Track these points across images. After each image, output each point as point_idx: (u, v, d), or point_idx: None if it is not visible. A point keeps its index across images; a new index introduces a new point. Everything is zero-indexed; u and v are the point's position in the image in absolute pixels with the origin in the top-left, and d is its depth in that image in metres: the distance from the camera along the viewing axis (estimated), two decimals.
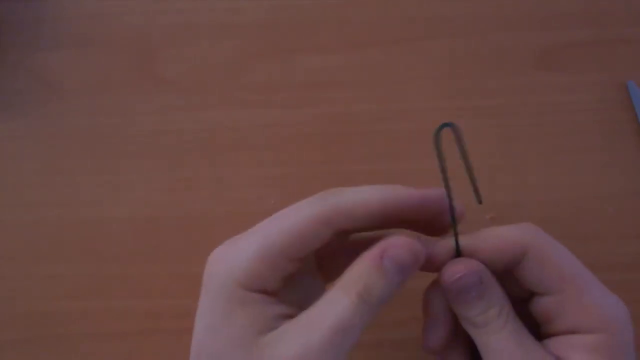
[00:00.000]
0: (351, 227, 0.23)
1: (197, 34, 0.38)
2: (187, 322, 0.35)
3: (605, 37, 0.38)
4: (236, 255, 0.23)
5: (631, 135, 0.37)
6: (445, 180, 0.23)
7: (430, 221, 0.25)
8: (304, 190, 0.36)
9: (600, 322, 0.22)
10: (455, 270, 0.23)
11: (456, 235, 0.23)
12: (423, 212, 0.24)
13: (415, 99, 0.37)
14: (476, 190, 0.24)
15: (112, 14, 0.38)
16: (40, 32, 0.38)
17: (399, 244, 0.22)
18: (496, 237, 0.23)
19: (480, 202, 0.24)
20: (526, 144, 0.37)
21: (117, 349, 0.34)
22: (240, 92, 0.37)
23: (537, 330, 0.24)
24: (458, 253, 0.23)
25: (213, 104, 0.37)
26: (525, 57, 0.38)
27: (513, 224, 0.24)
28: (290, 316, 0.22)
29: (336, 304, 0.21)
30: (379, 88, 0.37)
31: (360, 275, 0.22)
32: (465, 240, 0.23)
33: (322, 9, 0.38)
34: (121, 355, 0.34)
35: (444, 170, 0.23)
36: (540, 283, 0.23)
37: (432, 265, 0.23)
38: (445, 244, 0.24)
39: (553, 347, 0.23)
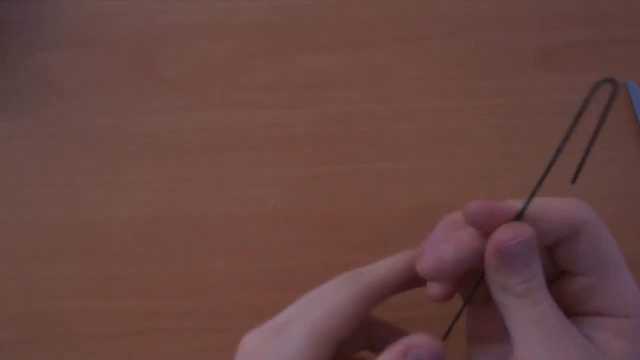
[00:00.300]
0: (380, 300, 0.25)
1: (197, 34, 0.38)
2: (187, 322, 0.35)
3: (605, 37, 0.38)
4: (286, 350, 0.23)
5: (631, 135, 0.37)
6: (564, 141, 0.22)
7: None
8: (304, 190, 0.37)
9: (629, 306, 0.22)
10: (511, 235, 0.22)
11: (529, 200, 0.22)
12: None
13: (415, 99, 0.37)
14: (580, 168, 0.23)
15: (112, 14, 0.38)
16: (40, 32, 0.38)
17: (421, 344, 0.22)
18: (557, 210, 0.23)
19: (573, 181, 0.23)
20: (526, 144, 0.37)
21: (117, 349, 0.34)
22: (240, 92, 0.37)
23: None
24: (519, 217, 0.22)
25: (213, 104, 0.37)
26: (525, 57, 0.38)
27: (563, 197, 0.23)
28: None
29: None
30: (379, 88, 0.37)
31: None
32: (530, 207, 0.22)
33: (322, 9, 0.38)
34: (121, 355, 0.34)
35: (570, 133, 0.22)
36: (584, 262, 0.23)
37: (493, 222, 0.22)
38: (510, 206, 0.23)
39: (578, 327, 0.22)
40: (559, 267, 0.24)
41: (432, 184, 0.36)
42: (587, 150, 0.22)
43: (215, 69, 0.37)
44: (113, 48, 0.38)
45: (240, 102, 0.37)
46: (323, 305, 0.23)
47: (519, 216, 0.22)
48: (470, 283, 0.25)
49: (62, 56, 0.37)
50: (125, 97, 0.37)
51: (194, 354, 0.34)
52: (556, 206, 0.23)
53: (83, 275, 0.35)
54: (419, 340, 0.22)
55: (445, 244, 0.23)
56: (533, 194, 0.22)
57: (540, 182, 0.22)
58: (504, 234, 0.22)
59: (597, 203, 0.36)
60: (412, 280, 0.25)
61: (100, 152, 0.36)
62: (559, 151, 0.22)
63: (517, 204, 0.23)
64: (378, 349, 0.26)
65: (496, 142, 0.36)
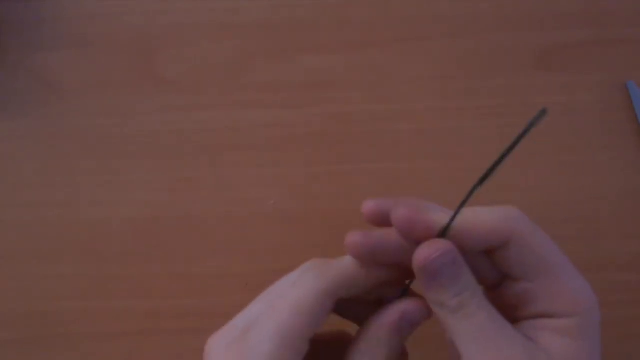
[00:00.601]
0: (345, 296, 0.24)
1: (197, 34, 0.38)
2: (187, 322, 0.35)
3: (605, 37, 0.38)
4: (256, 351, 0.22)
5: (631, 135, 0.37)
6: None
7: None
8: (304, 190, 0.37)
9: (571, 306, 0.22)
10: (429, 252, 0.22)
11: (454, 216, 0.23)
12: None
13: (415, 99, 0.37)
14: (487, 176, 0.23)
15: (112, 14, 0.38)
16: (40, 32, 0.38)
17: (414, 309, 0.24)
18: (482, 223, 0.23)
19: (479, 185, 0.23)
20: (526, 144, 0.37)
21: (117, 349, 0.34)
22: (240, 92, 0.37)
23: (505, 314, 0.24)
24: (443, 234, 0.23)
25: (213, 104, 0.37)
26: (525, 57, 0.38)
27: (496, 206, 0.24)
28: None
29: None
30: (379, 88, 0.37)
31: (382, 340, 0.24)
32: (457, 220, 0.23)
33: (322, 9, 0.38)
34: (121, 355, 0.34)
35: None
36: (519, 269, 0.23)
37: (417, 235, 0.23)
38: (432, 221, 0.23)
39: (522, 331, 0.23)
40: (501, 271, 0.24)
41: (432, 184, 0.36)
42: (500, 159, 0.23)
43: (215, 69, 0.37)
44: (113, 48, 0.38)
45: (240, 102, 0.37)
46: (290, 303, 0.23)
47: (445, 230, 0.23)
48: None
49: (62, 56, 0.37)
50: (125, 97, 0.37)
51: (194, 354, 0.34)
52: (483, 218, 0.23)
53: (83, 275, 0.35)
54: (412, 306, 0.24)
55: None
56: (458, 210, 0.23)
57: (467, 197, 0.23)
58: (423, 252, 0.22)
59: (597, 203, 0.36)
60: (381, 278, 0.24)
61: (100, 152, 0.36)
62: (491, 169, 0.23)
63: (443, 218, 0.23)
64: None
65: (496, 142, 0.36)
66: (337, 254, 0.37)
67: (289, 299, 0.23)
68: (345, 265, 0.24)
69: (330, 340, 0.27)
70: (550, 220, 0.35)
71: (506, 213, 0.23)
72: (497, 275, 0.24)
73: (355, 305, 0.26)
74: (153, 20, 0.38)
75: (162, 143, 0.36)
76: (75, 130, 0.37)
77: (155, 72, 0.37)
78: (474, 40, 0.38)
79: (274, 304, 0.23)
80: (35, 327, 0.35)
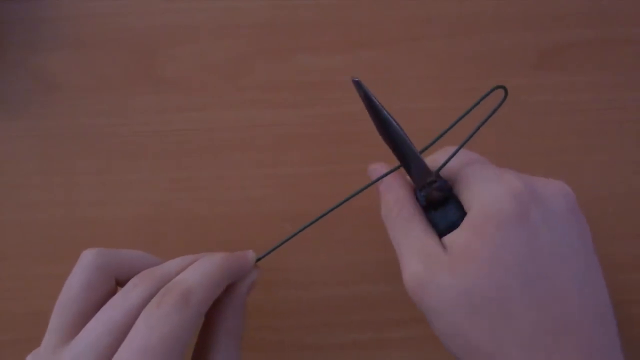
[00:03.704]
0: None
1: (196, 34, 0.38)
2: None
3: (606, 37, 0.38)
4: None
5: (631, 135, 0.37)
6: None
7: None
8: (304, 190, 0.37)
9: (474, 203, 0.24)
10: (376, 166, 0.28)
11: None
12: None
13: (415, 99, 0.37)
14: None
15: (112, 14, 0.38)
16: (40, 32, 0.38)
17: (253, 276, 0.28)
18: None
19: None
20: (526, 144, 0.37)
21: None
22: (240, 92, 0.37)
23: None
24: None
25: (213, 104, 0.37)
26: (525, 57, 0.38)
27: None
28: None
29: None
30: (379, 88, 0.37)
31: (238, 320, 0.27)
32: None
33: (322, 9, 0.38)
34: None
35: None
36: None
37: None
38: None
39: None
40: None
41: None
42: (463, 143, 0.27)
43: (215, 69, 0.37)
44: (113, 48, 0.38)
45: (240, 102, 0.37)
46: (157, 332, 0.22)
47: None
48: None
49: (62, 56, 0.37)
50: (125, 97, 0.37)
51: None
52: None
53: None
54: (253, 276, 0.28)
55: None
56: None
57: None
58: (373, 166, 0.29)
59: (597, 203, 0.36)
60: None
61: (100, 152, 0.36)
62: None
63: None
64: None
65: (496, 142, 0.36)
66: (336, 254, 0.37)
67: (157, 332, 0.22)
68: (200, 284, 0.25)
69: None
70: None
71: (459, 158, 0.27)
72: None
73: None
74: (153, 20, 0.38)
75: (162, 143, 0.36)
76: (75, 130, 0.37)
77: (155, 72, 0.37)
78: (474, 40, 0.38)
79: (137, 335, 0.22)
80: (35, 327, 0.34)
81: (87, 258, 0.25)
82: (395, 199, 0.27)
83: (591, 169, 0.36)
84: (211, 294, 0.24)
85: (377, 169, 0.28)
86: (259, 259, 0.29)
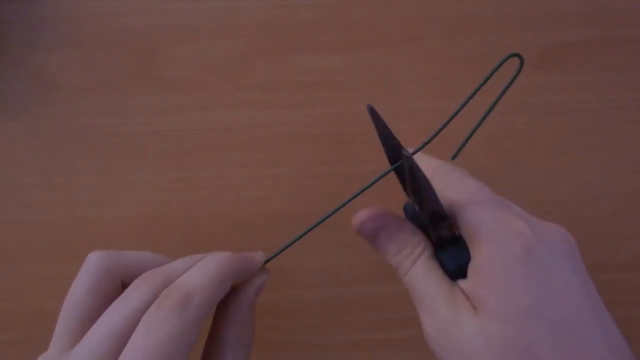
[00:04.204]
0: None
1: (196, 34, 0.38)
2: None
3: (606, 37, 0.38)
4: None
5: (631, 135, 0.37)
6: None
7: None
8: (304, 190, 0.36)
9: (485, 252, 0.23)
10: (358, 217, 0.26)
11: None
12: None
13: (415, 99, 0.37)
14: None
15: (112, 14, 0.38)
16: (40, 32, 0.38)
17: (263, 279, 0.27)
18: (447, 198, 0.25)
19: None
20: (526, 144, 0.37)
21: None
22: (239, 92, 0.37)
23: None
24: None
25: (213, 104, 0.37)
26: (525, 57, 0.38)
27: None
28: None
29: None
30: (379, 88, 0.37)
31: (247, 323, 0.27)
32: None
33: (322, 9, 0.38)
34: None
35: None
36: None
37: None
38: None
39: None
40: None
41: None
42: (478, 125, 0.26)
43: (215, 69, 0.37)
44: (113, 48, 0.38)
45: (239, 102, 0.37)
46: (157, 337, 0.22)
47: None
48: None
49: (62, 56, 0.37)
50: (125, 97, 0.37)
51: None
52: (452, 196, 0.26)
53: None
54: (262, 279, 0.27)
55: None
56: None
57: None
58: (355, 217, 0.27)
59: (597, 203, 0.36)
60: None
61: (100, 152, 0.36)
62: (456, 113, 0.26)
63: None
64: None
65: (496, 142, 0.36)
66: (337, 254, 0.37)
67: (157, 337, 0.22)
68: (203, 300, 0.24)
69: None
70: (550, 220, 0.35)
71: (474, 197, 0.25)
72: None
73: None
74: (152, 20, 0.38)
75: (162, 143, 0.36)
76: (75, 130, 0.37)
77: (155, 72, 0.37)
78: (474, 40, 0.38)
79: (137, 341, 0.22)
80: (35, 327, 0.35)
81: (92, 261, 0.25)
82: (406, 243, 0.25)
83: (591, 169, 0.36)
84: (213, 295, 0.24)
85: (361, 216, 0.27)
86: (267, 261, 0.28)
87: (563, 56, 0.38)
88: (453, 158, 0.26)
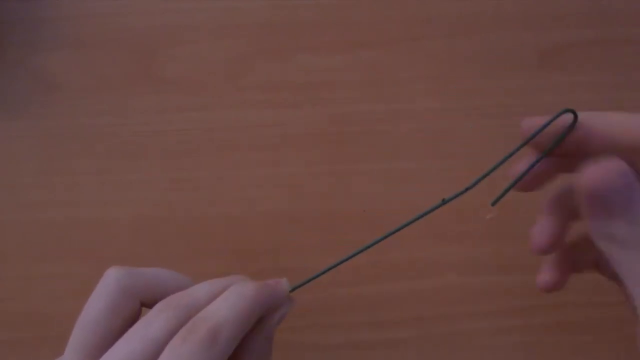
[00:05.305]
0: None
1: (196, 34, 0.38)
2: None
3: (606, 37, 0.38)
4: None
5: None
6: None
7: None
8: (304, 190, 0.37)
9: None
10: (600, 172, 0.19)
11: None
12: None
13: (415, 99, 0.37)
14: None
15: (112, 14, 0.38)
16: (40, 32, 0.38)
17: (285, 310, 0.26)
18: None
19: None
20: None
21: None
22: (240, 92, 0.37)
23: None
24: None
25: (213, 104, 0.37)
26: (526, 57, 0.38)
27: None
28: None
29: None
30: (379, 88, 0.37)
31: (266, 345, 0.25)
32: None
33: (322, 9, 0.38)
34: None
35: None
36: None
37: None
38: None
39: None
40: None
41: (432, 184, 0.36)
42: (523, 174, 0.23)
43: (215, 69, 0.37)
44: (113, 48, 0.38)
45: (240, 102, 0.37)
46: None
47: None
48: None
49: (62, 56, 0.37)
50: (125, 97, 0.37)
51: None
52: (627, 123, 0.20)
53: (83, 275, 0.35)
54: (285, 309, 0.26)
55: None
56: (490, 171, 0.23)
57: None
58: (592, 172, 0.19)
59: None
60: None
61: (100, 152, 0.36)
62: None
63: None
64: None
65: (496, 142, 0.36)
66: (337, 254, 0.37)
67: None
68: (213, 314, 0.22)
69: None
70: None
71: None
72: None
73: None
74: (153, 20, 0.38)
75: (162, 143, 0.36)
76: (75, 130, 0.37)
77: (155, 72, 0.37)
78: (474, 40, 0.38)
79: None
80: (35, 327, 0.35)
81: (112, 277, 0.24)
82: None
83: None
84: (241, 330, 0.22)
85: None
86: (293, 289, 0.26)
87: (563, 56, 0.38)
88: (493, 204, 0.24)
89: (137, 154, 0.36)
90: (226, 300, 0.23)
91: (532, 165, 0.23)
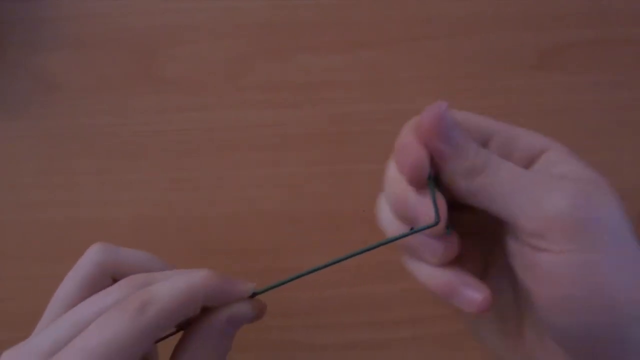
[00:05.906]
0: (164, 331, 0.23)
1: (196, 34, 0.38)
2: None
3: (606, 37, 0.38)
4: None
5: (631, 135, 0.37)
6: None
7: None
8: (304, 190, 0.37)
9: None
10: (434, 111, 0.22)
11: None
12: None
13: (415, 99, 0.37)
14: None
15: (112, 14, 0.38)
16: (40, 32, 0.38)
17: (243, 310, 0.24)
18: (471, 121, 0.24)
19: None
20: None
21: None
22: (240, 92, 0.37)
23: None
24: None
25: (213, 104, 0.37)
26: (525, 57, 0.38)
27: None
28: None
29: None
30: (379, 88, 0.37)
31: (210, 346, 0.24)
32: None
33: (322, 9, 0.38)
34: None
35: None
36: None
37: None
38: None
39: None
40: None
41: None
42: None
43: (215, 69, 0.37)
44: (113, 48, 0.38)
45: (240, 102, 0.37)
46: (103, 335, 0.21)
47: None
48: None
49: (62, 56, 0.37)
50: (125, 97, 0.37)
51: None
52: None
53: None
54: (240, 309, 0.24)
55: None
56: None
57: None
58: (430, 113, 0.22)
59: None
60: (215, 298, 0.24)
61: (100, 152, 0.36)
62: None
63: None
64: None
65: None
66: (336, 254, 0.37)
67: (103, 329, 0.21)
68: (169, 291, 0.22)
69: None
70: None
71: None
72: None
73: None
74: (153, 20, 0.38)
75: (162, 143, 0.36)
76: (75, 130, 0.37)
77: (155, 72, 0.37)
78: (474, 40, 0.38)
79: (85, 331, 0.21)
80: (35, 327, 0.34)
81: (90, 252, 0.25)
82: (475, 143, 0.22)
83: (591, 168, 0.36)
84: (174, 308, 0.22)
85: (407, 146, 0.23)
86: (256, 294, 0.25)
87: (563, 56, 0.38)
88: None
89: (137, 154, 0.36)
90: (169, 280, 0.23)
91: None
